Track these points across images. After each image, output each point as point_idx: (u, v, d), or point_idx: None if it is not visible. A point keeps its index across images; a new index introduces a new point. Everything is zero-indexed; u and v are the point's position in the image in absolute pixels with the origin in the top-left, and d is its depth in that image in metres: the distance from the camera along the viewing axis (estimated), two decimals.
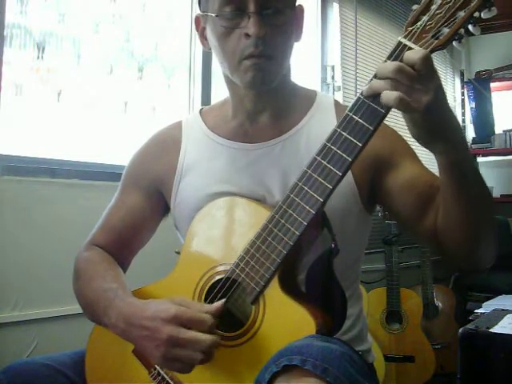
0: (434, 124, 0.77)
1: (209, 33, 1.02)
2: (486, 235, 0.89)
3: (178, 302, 0.85)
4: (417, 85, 0.73)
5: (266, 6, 0.93)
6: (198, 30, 1.06)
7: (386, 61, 0.77)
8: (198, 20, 1.05)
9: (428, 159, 1.00)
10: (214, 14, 0.96)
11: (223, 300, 0.87)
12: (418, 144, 0.81)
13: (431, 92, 0.74)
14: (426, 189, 0.94)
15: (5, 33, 1.70)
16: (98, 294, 0.96)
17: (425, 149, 0.82)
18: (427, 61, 0.73)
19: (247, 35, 0.93)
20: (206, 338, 0.81)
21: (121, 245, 1.09)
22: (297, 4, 1.01)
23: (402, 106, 0.74)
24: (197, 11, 1.06)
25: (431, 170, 0.99)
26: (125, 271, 1.09)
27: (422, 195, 0.92)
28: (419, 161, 1.01)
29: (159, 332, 0.82)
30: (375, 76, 0.77)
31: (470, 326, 1.30)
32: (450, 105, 0.79)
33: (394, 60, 0.76)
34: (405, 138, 1.03)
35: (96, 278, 1.00)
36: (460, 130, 0.81)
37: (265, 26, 0.93)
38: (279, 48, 0.97)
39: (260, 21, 0.92)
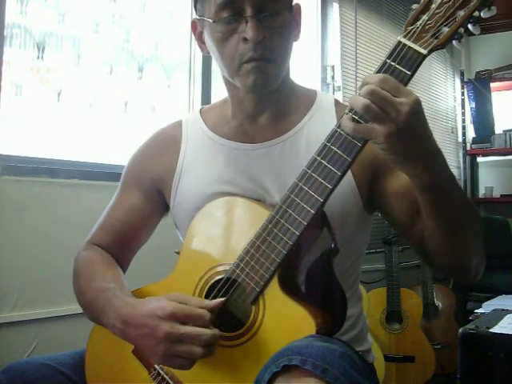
0: (400, 151, 0.76)
1: (206, 37, 1.01)
2: (469, 250, 0.89)
3: (174, 299, 0.85)
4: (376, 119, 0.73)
5: (262, 9, 0.92)
6: (195, 35, 1.06)
7: (385, 60, 0.77)
8: (194, 24, 1.05)
9: None
10: (211, 20, 0.95)
11: (223, 299, 0.87)
12: None
13: (391, 124, 0.72)
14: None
15: (5, 33, 1.70)
16: (97, 294, 0.96)
17: None
18: (378, 95, 0.72)
19: (245, 39, 0.92)
20: (205, 331, 0.81)
21: (120, 244, 1.09)
22: (294, 3, 1.01)
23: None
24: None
25: None
26: (124, 271, 1.09)
27: (415, 203, 0.90)
28: None
29: (157, 330, 0.82)
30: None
31: (469, 326, 1.30)
32: (427, 128, 0.76)
33: (393, 59, 0.76)
34: None
35: (95, 278, 1.00)
36: (436, 154, 0.79)
37: (263, 29, 0.92)
38: (278, 50, 0.96)
39: (258, 25, 0.91)
